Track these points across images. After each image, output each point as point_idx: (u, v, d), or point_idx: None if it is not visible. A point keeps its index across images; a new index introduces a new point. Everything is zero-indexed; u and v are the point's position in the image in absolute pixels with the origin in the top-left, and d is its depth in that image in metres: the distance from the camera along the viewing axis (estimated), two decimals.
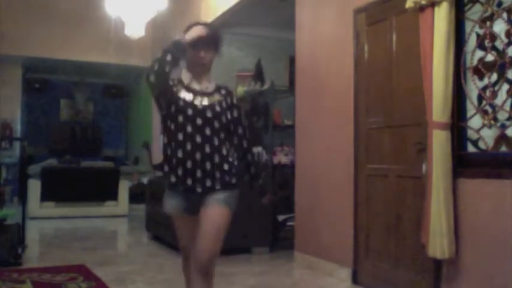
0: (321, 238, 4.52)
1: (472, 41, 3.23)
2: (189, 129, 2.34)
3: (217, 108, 2.41)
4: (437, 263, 3.25)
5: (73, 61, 10.35)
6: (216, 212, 2.34)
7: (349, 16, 4.20)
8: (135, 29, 7.09)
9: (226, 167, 2.39)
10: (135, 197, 9.32)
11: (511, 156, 2.98)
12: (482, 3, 3.19)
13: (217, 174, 2.36)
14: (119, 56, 10.16)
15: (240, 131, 2.51)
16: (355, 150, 4.10)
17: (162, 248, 5.57)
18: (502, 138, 3.05)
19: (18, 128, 10.75)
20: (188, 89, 2.43)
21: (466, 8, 3.28)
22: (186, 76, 2.49)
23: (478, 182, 3.08)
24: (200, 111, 2.38)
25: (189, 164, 2.32)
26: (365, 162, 4.01)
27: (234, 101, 2.53)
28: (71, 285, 3.83)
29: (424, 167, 3.26)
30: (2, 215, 5.02)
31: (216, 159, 2.36)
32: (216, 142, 2.37)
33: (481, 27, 3.19)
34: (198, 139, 2.34)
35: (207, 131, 2.36)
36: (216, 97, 2.46)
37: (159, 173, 7.14)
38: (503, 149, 3.04)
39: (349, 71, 4.19)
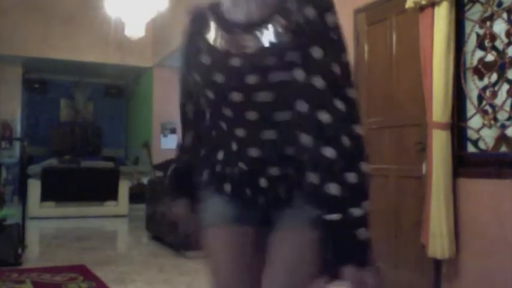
0: None
1: (472, 41, 3.23)
2: (228, 112, 1.25)
3: (269, 61, 1.18)
4: (437, 263, 3.25)
5: (73, 61, 10.36)
6: (294, 242, 1.29)
7: (349, 16, 4.20)
8: (135, 29, 7.11)
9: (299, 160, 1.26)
10: (135, 197, 9.32)
11: (511, 156, 2.98)
12: (482, 3, 3.19)
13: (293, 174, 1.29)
14: (119, 56, 10.17)
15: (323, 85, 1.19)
16: None
17: (162, 248, 5.57)
18: (502, 138, 3.05)
19: (18, 128, 10.75)
20: (225, 24, 1.25)
21: (466, 8, 3.28)
22: None
23: (478, 182, 3.08)
24: (237, 72, 1.20)
25: (243, 166, 1.28)
26: None
27: (326, 19, 1.22)
28: (71, 285, 3.83)
29: (424, 167, 3.26)
30: (2, 215, 5.02)
31: (288, 151, 1.27)
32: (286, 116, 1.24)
33: (481, 27, 3.19)
34: (253, 125, 1.24)
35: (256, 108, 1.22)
36: (271, 30, 1.20)
37: (159, 173, 7.13)
38: (503, 149, 3.04)
39: None
